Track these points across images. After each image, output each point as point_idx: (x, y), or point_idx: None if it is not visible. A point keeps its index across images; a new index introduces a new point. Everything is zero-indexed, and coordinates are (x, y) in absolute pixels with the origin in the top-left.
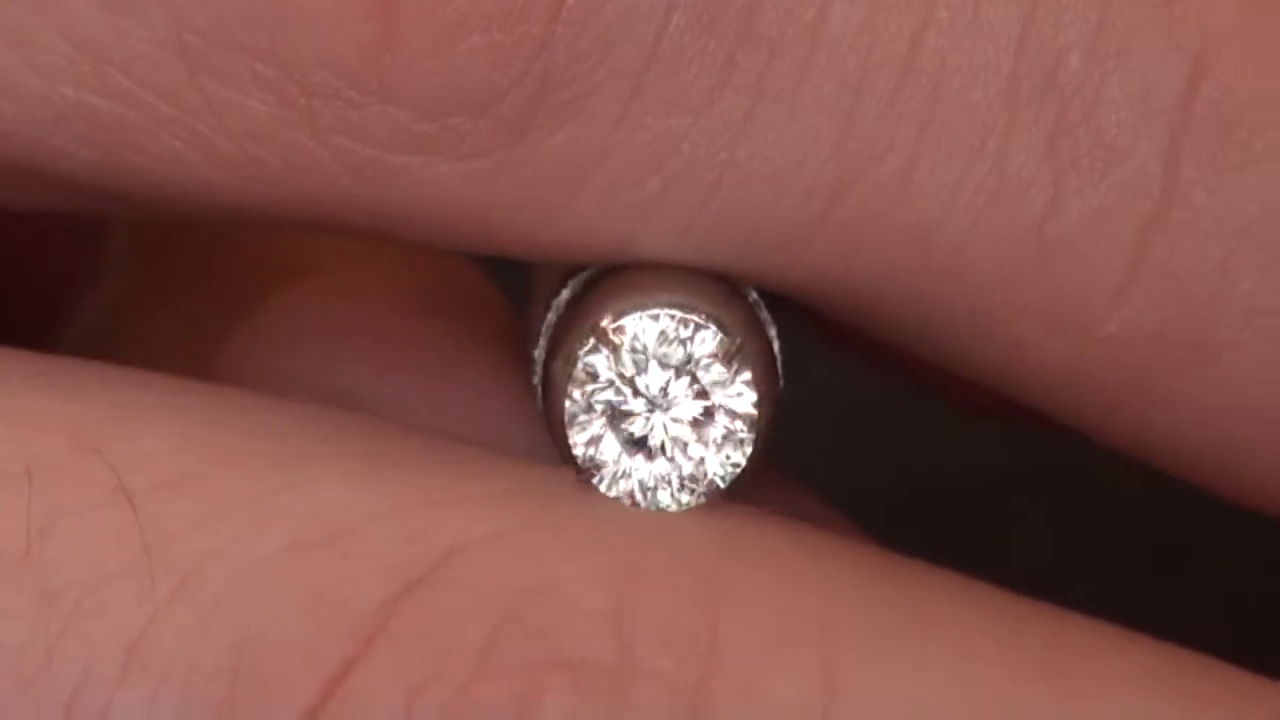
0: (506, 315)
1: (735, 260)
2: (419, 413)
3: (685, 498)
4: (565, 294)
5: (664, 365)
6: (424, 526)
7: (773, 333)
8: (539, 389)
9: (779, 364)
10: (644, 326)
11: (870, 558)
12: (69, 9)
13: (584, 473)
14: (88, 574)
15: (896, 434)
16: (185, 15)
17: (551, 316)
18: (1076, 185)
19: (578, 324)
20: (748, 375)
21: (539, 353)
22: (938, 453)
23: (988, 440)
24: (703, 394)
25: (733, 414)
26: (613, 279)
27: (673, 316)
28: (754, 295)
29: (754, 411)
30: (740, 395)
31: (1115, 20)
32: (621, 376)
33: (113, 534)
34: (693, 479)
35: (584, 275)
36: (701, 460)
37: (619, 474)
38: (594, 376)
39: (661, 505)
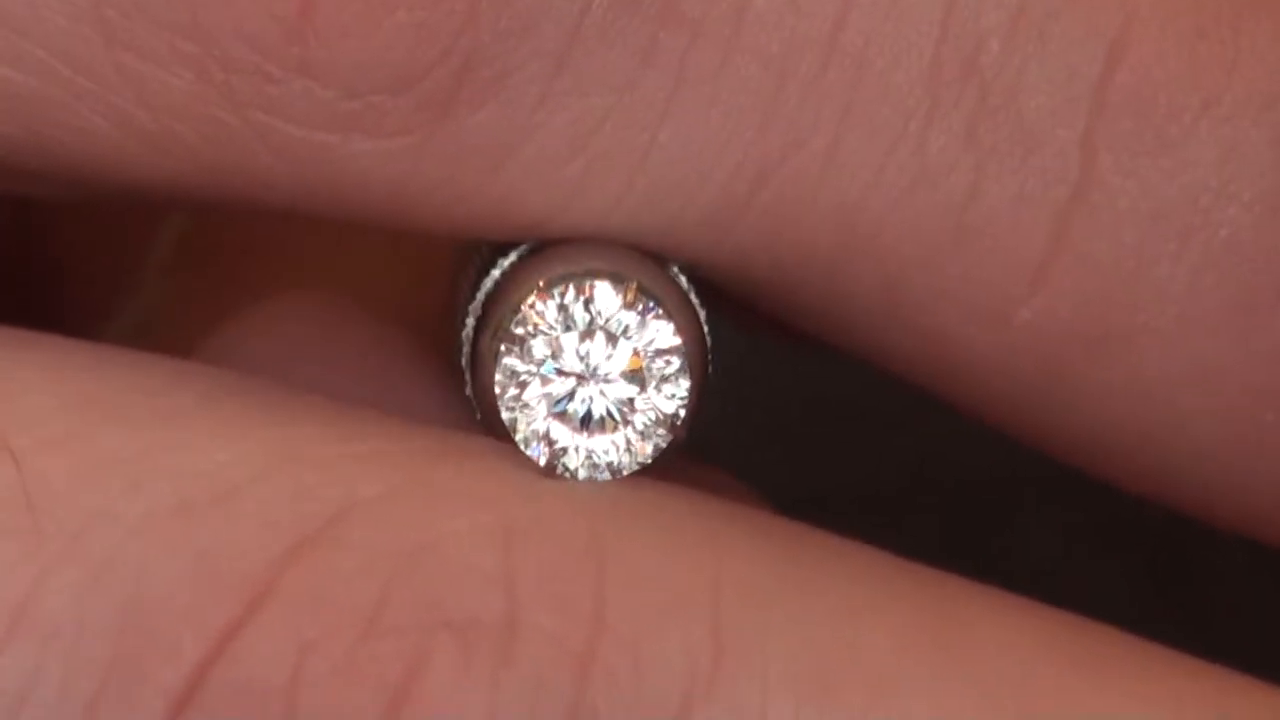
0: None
1: (658, 242)
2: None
3: (648, 448)
4: (488, 281)
5: (578, 332)
6: (311, 485)
7: (697, 301)
8: (468, 374)
9: (705, 325)
10: (544, 301)
11: (760, 519)
12: None
13: (536, 458)
14: None
15: (902, 424)
16: None
17: (480, 297)
18: (996, 169)
19: (496, 308)
20: (657, 310)
21: (466, 333)
22: (944, 444)
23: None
24: (623, 345)
25: (659, 351)
26: (530, 259)
27: (567, 283)
28: (674, 269)
29: (677, 340)
30: (659, 331)
31: (1036, 5)
32: (545, 355)
33: None
34: (649, 427)
35: (510, 259)
36: (650, 409)
37: (570, 450)
38: (514, 369)
39: (622, 468)
